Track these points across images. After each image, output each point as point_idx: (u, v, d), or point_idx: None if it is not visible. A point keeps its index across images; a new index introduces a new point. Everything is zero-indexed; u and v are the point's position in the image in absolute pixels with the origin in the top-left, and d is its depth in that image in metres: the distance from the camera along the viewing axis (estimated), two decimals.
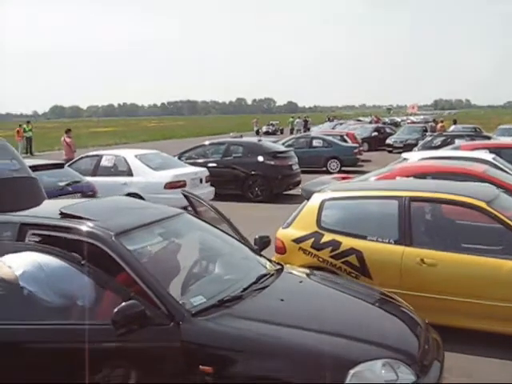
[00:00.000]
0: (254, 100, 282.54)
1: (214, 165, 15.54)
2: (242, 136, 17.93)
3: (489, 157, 11.04)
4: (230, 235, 5.23)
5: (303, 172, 20.71)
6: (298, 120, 47.14)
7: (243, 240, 5.29)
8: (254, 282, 4.42)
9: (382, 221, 6.17)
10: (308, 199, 6.58)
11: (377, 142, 31.87)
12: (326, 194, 6.50)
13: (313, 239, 6.27)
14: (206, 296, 4.10)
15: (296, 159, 16.46)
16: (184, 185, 12.31)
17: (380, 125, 38.38)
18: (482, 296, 5.40)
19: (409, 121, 58.40)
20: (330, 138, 23.46)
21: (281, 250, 6.51)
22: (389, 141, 30.67)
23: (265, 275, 4.58)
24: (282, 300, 4.18)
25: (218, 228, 5.24)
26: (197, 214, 5.64)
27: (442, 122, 28.28)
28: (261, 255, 5.09)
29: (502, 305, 5.30)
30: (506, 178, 8.74)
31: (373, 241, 5.95)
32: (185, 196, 5.92)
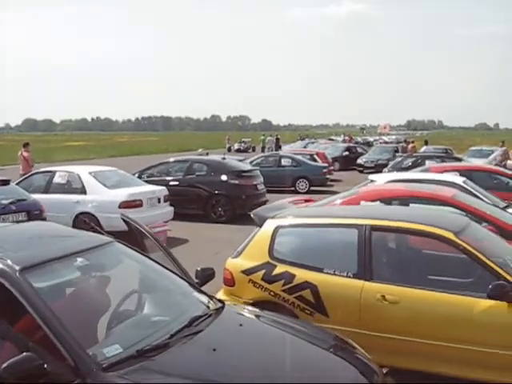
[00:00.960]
0: (229, 117, 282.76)
1: (176, 183, 14.98)
2: (207, 154, 17.33)
3: (459, 180, 10.62)
4: (168, 268, 4.59)
5: (271, 191, 20.27)
6: (269, 138, 46.77)
7: (183, 273, 4.66)
8: (187, 326, 3.80)
9: (341, 252, 5.58)
10: (260, 226, 5.97)
11: (348, 162, 31.54)
12: (280, 220, 5.90)
13: (264, 271, 5.65)
14: (123, 344, 3.47)
15: (261, 179, 15.96)
16: (140, 204, 11.66)
17: (351, 144, 38.17)
18: (451, 338, 4.82)
19: (381, 141, 58.58)
20: (299, 157, 23.03)
21: (229, 282, 5.88)
22: (360, 161, 30.48)
23: (200, 317, 3.95)
24: (215, 350, 3.55)
25: (154, 260, 4.60)
26: (138, 241, 5.00)
27: (412, 142, 28.02)
28: (201, 291, 4.45)
29: (473, 349, 4.73)
30: (475, 203, 8.27)
31: (330, 274, 5.36)
32: (124, 221, 5.27)
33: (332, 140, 51.64)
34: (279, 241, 5.75)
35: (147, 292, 4.35)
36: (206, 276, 4.73)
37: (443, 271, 5.39)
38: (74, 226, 11.64)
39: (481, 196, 10.17)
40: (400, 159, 20.09)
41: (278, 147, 42.47)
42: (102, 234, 4.78)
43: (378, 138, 64.02)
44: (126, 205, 11.40)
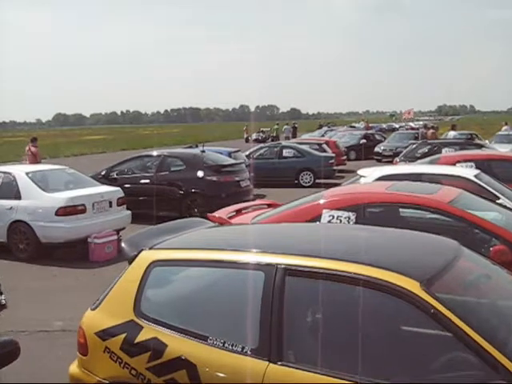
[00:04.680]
0: (258, 107, 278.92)
1: (147, 181, 13.08)
2: (202, 145, 15.18)
3: (471, 173, 8.48)
4: None
5: (272, 185, 18.30)
6: (285, 127, 44.34)
7: None
8: None
9: (236, 311, 3.42)
10: (130, 261, 3.85)
11: (365, 151, 28.93)
12: (158, 253, 3.75)
13: (125, 334, 3.55)
14: None
15: (246, 174, 13.99)
16: (83, 210, 9.63)
17: (369, 131, 35.54)
18: None
19: (408, 127, 55.43)
20: (304, 147, 20.77)
21: (82, 347, 3.78)
22: (377, 149, 28.06)
23: None
24: None
25: None
26: None
27: (433, 127, 25.28)
28: None
29: None
30: (482, 206, 6.06)
31: (217, 347, 3.22)
32: None
33: (354, 127, 48.81)
34: (151, 287, 3.64)
35: None
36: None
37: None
38: (8, 238, 9.74)
39: (498, 194, 7.97)
40: (414, 146, 17.64)
41: (295, 137, 40.15)
42: None
43: (404, 124, 60.77)
44: (65, 211, 9.40)
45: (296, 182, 19.42)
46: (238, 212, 6.95)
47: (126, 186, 12.59)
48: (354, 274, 3.06)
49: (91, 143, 54.42)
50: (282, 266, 3.22)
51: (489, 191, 7.95)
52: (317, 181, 19.35)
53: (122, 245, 3.99)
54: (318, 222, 5.53)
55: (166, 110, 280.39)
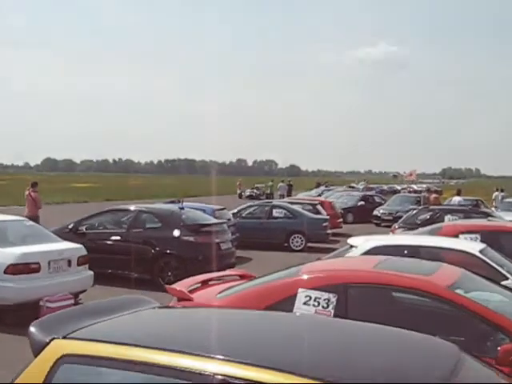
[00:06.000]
0: (255, 161, 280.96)
1: (118, 238, 12.41)
2: (180, 201, 14.63)
3: (475, 248, 7.91)
4: None
5: (260, 248, 17.66)
6: (281, 184, 44.12)
7: None
8: None
9: None
10: (35, 354, 3.13)
11: (363, 213, 28.57)
12: (70, 344, 3.04)
13: None
14: None
15: (229, 235, 13.40)
16: (37, 269, 8.90)
17: (369, 193, 35.18)
18: None
19: (410, 189, 55.31)
20: (296, 207, 20.31)
21: None
22: (376, 212, 27.85)
23: None
24: None
25: None
26: None
27: (436, 191, 24.83)
28: None
29: None
30: (486, 289, 5.44)
31: None
32: None
33: (353, 187, 48.59)
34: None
35: None
36: None
37: None
38: None
39: (506, 274, 7.43)
40: (415, 212, 17.41)
41: (290, 195, 39.73)
42: None
43: (405, 186, 60.73)
44: (15, 269, 8.67)
45: (286, 245, 18.88)
46: (204, 283, 6.27)
47: (95, 242, 12.08)
48: None
49: (77, 191, 53.91)
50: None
51: (495, 269, 7.40)
52: (309, 244, 18.81)
53: (30, 329, 3.28)
54: (293, 309, 4.84)
55: (160, 161, 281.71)
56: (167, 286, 6.01)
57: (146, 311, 3.66)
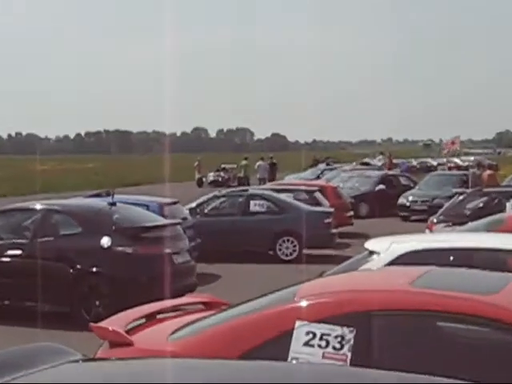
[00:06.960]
0: (221, 131, 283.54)
1: (18, 252, 12.76)
2: (110, 194, 14.70)
3: None
4: None
5: (235, 259, 18.10)
6: (260, 163, 44.87)
7: None
8: None
9: None
10: None
11: (384, 202, 29.43)
12: None
13: None
14: None
15: (186, 241, 13.81)
16: None
17: (391, 172, 35.76)
18: None
19: (451, 165, 56.04)
20: (284, 196, 21.09)
21: None
22: (402, 200, 28.73)
23: None
24: None
25: None
26: None
27: (491, 167, 25.50)
28: None
29: None
30: None
31: None
32: None
33: (367, 164, 49.28)
34: None
35: None
36: None
37: None
38: None
39: None
40: (462, 198, 18.00)
41: (273, 177, 40.30)
42: None
43: (445, 160, 61.56)
44: None
45: (271, 252, 19.51)
46: (150, 318, 6.38)
47: None
48: None
49: None
50: None
51: None
52: (305, 251, 19.25)
53: None
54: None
55: (79, 134, 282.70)
56: (93, 325, 6.09)
57: (61, 367, 3.56)
